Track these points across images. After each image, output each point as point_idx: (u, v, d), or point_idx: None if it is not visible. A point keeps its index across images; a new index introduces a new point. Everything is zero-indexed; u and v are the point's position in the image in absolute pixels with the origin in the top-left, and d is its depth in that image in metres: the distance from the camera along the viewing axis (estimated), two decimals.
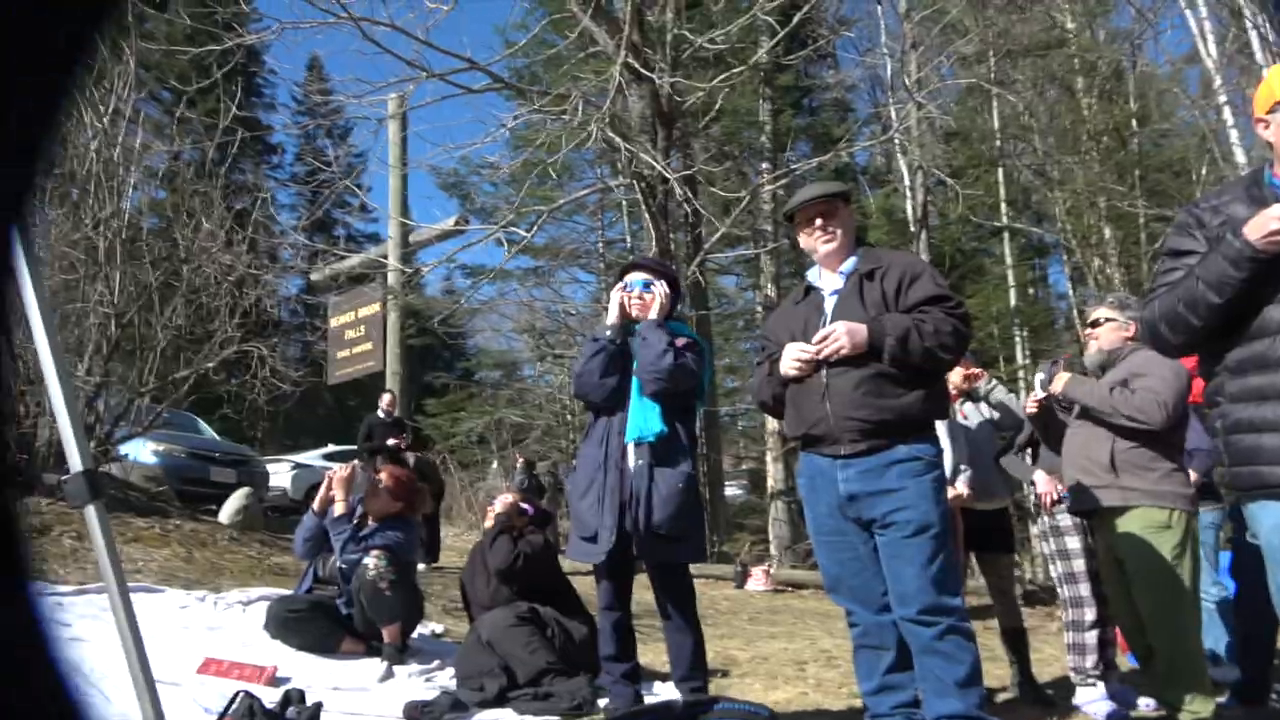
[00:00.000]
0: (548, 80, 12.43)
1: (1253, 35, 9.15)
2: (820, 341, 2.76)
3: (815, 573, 7.34)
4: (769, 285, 14.94)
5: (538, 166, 10.68)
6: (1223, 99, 10.42)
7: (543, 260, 17.66)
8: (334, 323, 10.67)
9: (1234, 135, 10.14)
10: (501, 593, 4.03)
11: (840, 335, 2.73)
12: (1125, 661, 4.35)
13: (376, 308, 10.14)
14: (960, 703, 2.63)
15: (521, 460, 14.20)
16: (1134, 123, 15.52)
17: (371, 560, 4.12)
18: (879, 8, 15.56)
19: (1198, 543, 3.55)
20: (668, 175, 8.80)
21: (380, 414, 9.26)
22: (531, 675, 3.63)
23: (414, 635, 4.54)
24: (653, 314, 3.42)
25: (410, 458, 8.54)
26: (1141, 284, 14.66)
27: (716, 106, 10.59)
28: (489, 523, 4.24)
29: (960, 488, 4.03)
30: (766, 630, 6.79)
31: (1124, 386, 3.40)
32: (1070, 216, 15.45)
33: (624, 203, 15.27)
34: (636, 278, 3.49)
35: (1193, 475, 3.79)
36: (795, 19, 10.59)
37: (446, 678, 3.99)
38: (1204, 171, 13.53)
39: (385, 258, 10.61)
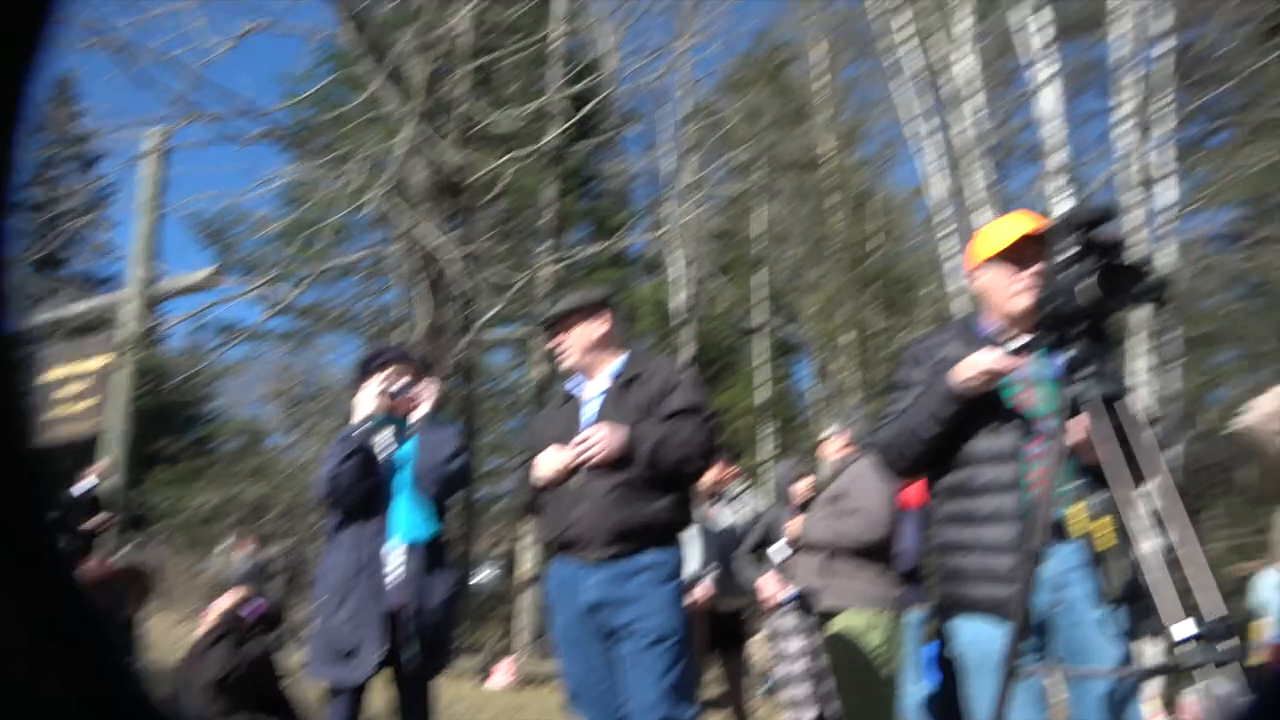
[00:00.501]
0: (330, 137, 12.03)
1: (972, 178, 10.56)
2: (579, 445, 2.78)
3: None
4: (539, 365, 15.01)
5: (311, 225, 10.22)
6: (945, 231, 11.86)
7: (305, 322, 16.74)
8: (49, 375, 9.45)
9: (952, 264, 11.54)
10: (217, 703, 3.63)
11: (599, 441, 2.76)
12: None
13: (104, 361, 9.10)
14: None
15: (251, 542, 12.14)
16: (875, 241, 17.35)
17: None
18: (664, 108, 16.52)
19: (901, 641, 3.87)
20: (446, 250, 8.71)
21: (82, 488, 8.00)
22: None
23: None
24: (426, 410, 3.27)
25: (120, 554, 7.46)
26: (873, 384, 16.21)
27: (502, 183, 10.67)
28: (206, 625, 3.81)
29: (704, 589, 4.16)
30: None
31: (842, 500, 3.68)
32: (817, 319, 16.86)
33: (398, 270, 14.91)
34: (397, 377, 3.29)
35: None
36: (585, 109, 10.99)
37: None
38: (928, 289, 15.30)
39: (122, 306, 9.62)
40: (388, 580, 3.07)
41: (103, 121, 8.19)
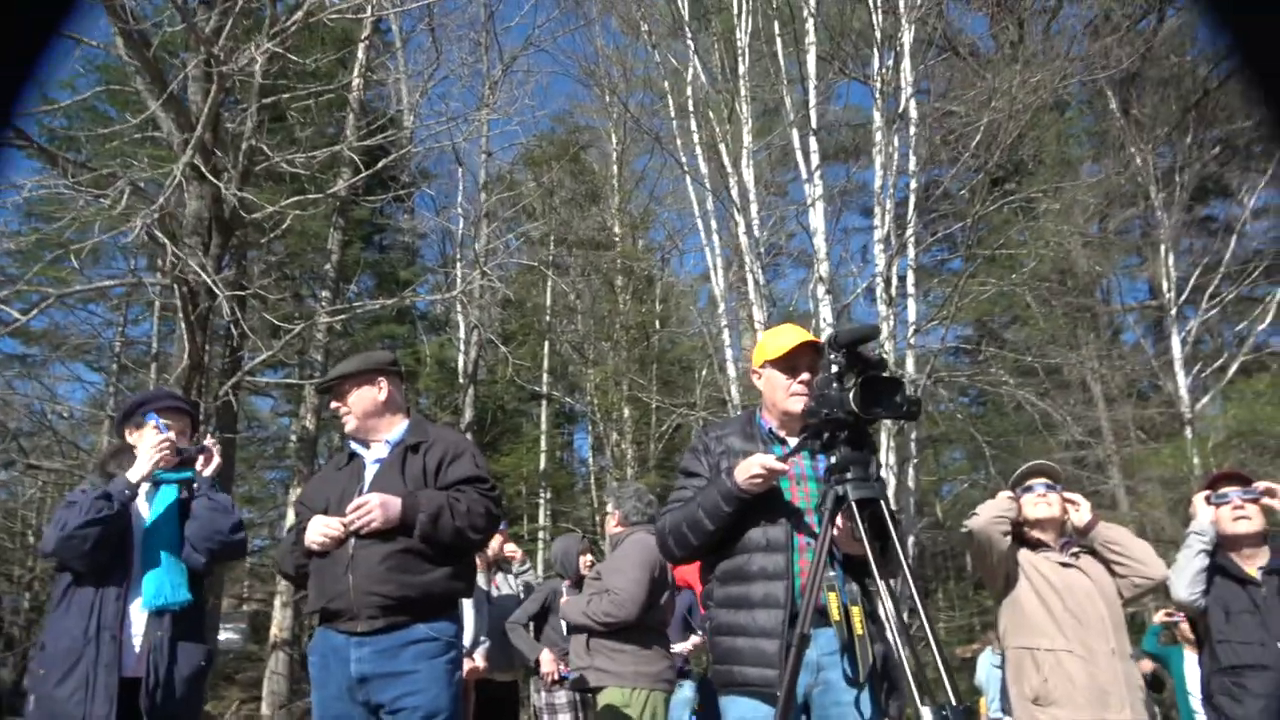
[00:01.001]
0: (89, 152, 10.99)
1: (749, 275, 11.37)
2: (353, 511, 2.71)
3: None
4: (309, 417, 14.24)
5: (58, 244, 9.23)
6: (724, 322, 12.63)
7: (37, 349, 14.91)
8: None
9: (729, 352, 12.28)
10: None
11: (374, 508, 2.70)
12: None
13: None
14: None
15: None
16: (657, 323, 18.11)
17: None
18: (460, 170, 16.51)
19: (663, 715, 3.99)
20: (217, 289, 8.14)
21: None
22: None
23: None
24: (210, 471, 3.07)
25: None
26: (648, 460, 16.73)
27: (284, 225, 10.18)
28: None
29: (478, 660, 4.11)
30: None
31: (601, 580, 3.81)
32: (598, 393, 17.24)
33: (157, 302, 13.71)
34: (175, 430, 3.05)
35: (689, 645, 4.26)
36: (380, 163, 10.79)
37: None
38: (704, 373, 16.11)
39: None
40: (129, 648, 2.81)
41: None
